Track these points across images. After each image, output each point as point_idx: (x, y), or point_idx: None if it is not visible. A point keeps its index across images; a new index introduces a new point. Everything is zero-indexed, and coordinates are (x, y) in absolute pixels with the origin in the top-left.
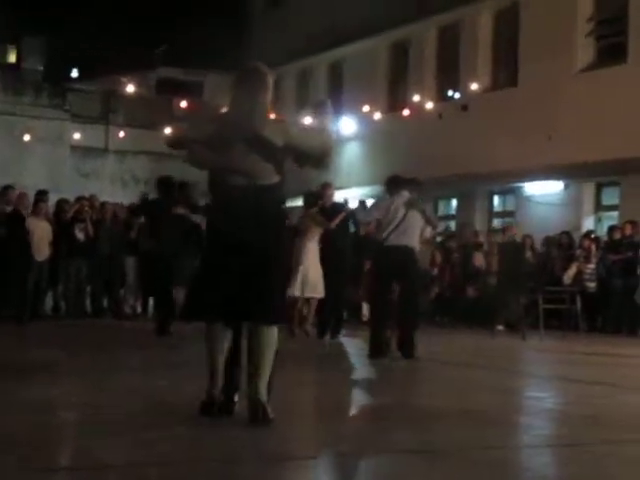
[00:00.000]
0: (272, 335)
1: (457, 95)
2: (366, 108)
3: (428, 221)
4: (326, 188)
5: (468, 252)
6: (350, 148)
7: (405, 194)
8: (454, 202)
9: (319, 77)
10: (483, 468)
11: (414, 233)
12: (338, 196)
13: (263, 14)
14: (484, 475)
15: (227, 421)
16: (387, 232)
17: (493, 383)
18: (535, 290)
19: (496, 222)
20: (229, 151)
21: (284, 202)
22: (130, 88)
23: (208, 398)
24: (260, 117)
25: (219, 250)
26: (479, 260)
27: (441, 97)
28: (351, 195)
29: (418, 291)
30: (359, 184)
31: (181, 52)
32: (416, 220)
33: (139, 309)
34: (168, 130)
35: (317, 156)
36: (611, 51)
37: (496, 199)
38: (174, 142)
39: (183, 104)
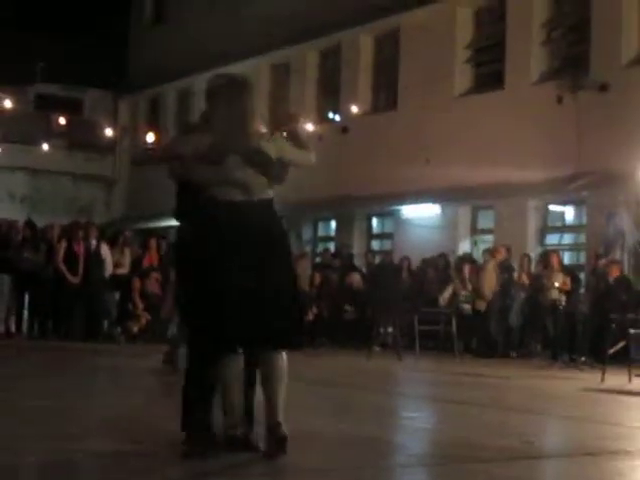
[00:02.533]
0: (285, 360)
1: (337, 117)
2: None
3: None
4: None
5: (345, 273)
6: None
7: None
8: (333, 224)
9: (200, 96)
10: None
11: None
12: None
13: (145, 31)
14: None
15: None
16: None
17: (367, 403)
18: (411, 311)
19: (374, 244)
20: (225, 164)
21: (281, 218)
22: (7, 103)
23: (230, 437)
24: (252, 128)
25: (226, 271)
26: (357, 281)
27: (322, 119)
28: None
29: None
30: None
31: (60, 68)
32: None
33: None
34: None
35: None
36: (488, 77)
37: (375, 221)
38: (167, 155)
39: (62, 120)
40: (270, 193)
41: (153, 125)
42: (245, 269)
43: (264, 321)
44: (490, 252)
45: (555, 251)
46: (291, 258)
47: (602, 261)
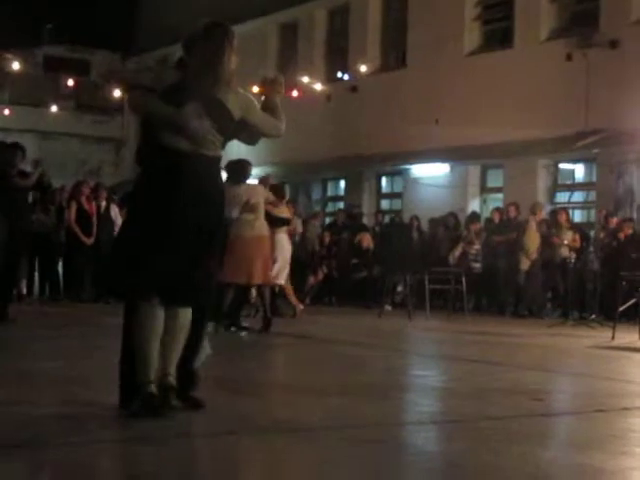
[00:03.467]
0: (189, 317)
1: (346, 77)
2: (255, 89)
3: None
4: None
5: (355, 233)
6: None
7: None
8: (342, 183)
9: None
10: (365, 445)
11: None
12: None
13: None
14: (367, 452)
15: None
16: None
17: (377, 361)
18: (421, 271)
19: (384, 203)
20: (183, 109)
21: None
22: (15, 65)
23: (144, 393)
24: (224, 80)
25: (164, 220)
26: (367, 241)
27: (330, 79)
28: None
29: None
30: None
31: (68, 30)
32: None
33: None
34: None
35: (262, 136)
36: (498, 35)
37: (384, 180)
38: (115, 77)
39: (70, 82)
40: (219, 152)
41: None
42: (179, 222)
43: (178, 277)
44: (531, 210)
45: (564, 208)
46: (223, 227)
47: (613, 219)
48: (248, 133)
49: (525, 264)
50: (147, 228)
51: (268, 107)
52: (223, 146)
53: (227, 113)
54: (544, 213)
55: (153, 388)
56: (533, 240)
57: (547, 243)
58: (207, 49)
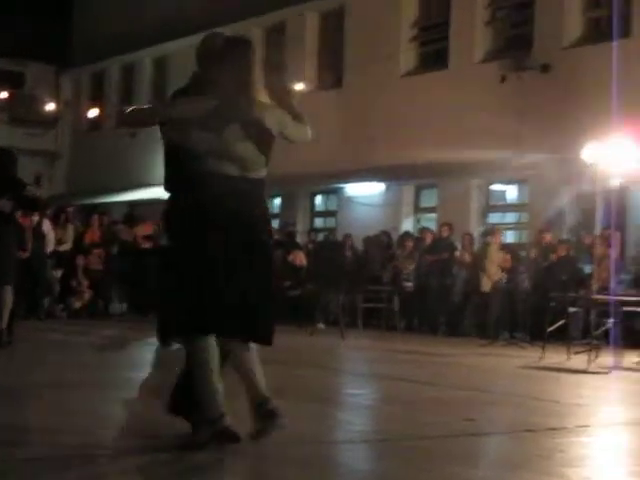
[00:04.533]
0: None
1: None
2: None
3: None
4: None
5: (288, 251)
6: None
7: None
8: (277, 201)
9: (146, 70)
10: (297, 464)
11: None
12: (161, 192)
13: (89, 3)
14: (297, 471)
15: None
16: None
17: (309, 380)
18: (354, 289)
19: (317, 222)
20: (223, 134)
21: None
22: None
23: (220, 427)
24: (256, 96)
25: (216, 249)
26: (300, 259)
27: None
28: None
29: None
30: None
31: (1, 41)
32: None
33: None
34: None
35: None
36: (433, 57)
37: (318, 199)
38: (136, 119)
39: (3, 94)
40: (263, 173)
41: (96, 100)
42: (231, 254)
43: (241, 312)
44: (489, 233)
45: (496, 229)
46: (272, 250)
47: (547, 236)
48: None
49: (487, 285)
50: (199, 259)
51: (291, 114)
52: (265, 165)
53: (267, 132)
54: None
55: (228, 421)
56: (495, 262)
57: (479, 263)
58: (237, 68)
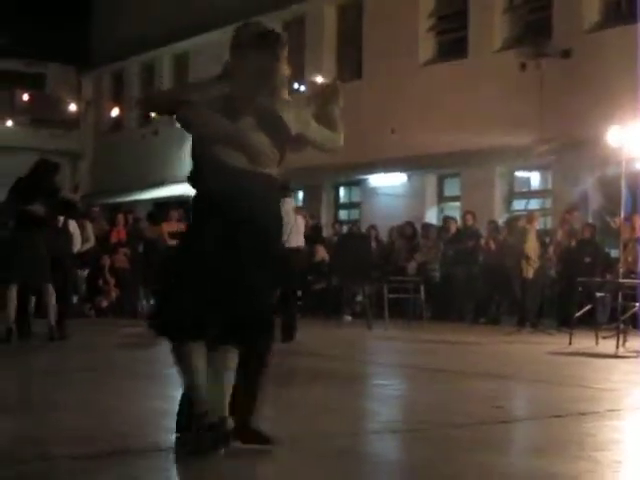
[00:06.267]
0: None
1: (302, 87)
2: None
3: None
4: None
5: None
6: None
7: (288, 200)
8: (300, 194)
9: (166, 69)
10: (328, 456)
11: (300, 233)
12: (185, 189)
13: (109, 4)
14: (329, 463)
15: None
16: (286, 235)
17: (337, 371)
18: (380, 280)
19: (342, 214)
20: (236, 122)
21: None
22: None
23: (202, 426)
24: (279, 92)
25: (215, 248)
26: (321, 253)
27: (287, 90)
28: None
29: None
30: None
31: (22, 43)
32: (301, 224)
33: None
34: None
35: (319, 150)
36: (452, 46)
37: (342, 191)
38: (153, 103)
39: (25, 96)
40: (276, 170)
41: (117, 99)
42: (235, 253)
43: (239, 316)
44: (527, 219)
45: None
46: (280, 251)
47: (574, 212)
48: (295, 146)
49: (529, 272)
50: (198, 258)
51: (324, 117)
52: (279, 163)
53: (285, 128)
54: (539, 222)
55: (215, 419)
56: (534, 248)
57: (505, 250)
58: (261, 59)
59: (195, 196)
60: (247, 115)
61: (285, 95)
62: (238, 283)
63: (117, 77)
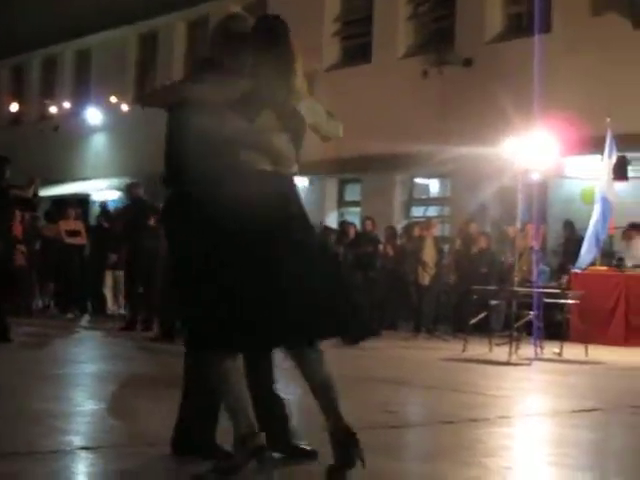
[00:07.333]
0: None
1: None
2: (113, 99)
3: None
4: None
5: None
6: (97, 139)
7: None
8: None
9: (66, 65)
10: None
11: None
12: (83, 187)
13: None
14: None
15: None
16: None
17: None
18: None
19: None
20: (257, 122)
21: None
22: None
23: (252, 443)
24: (296, 83)
25: (251, 257)
26: None
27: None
28: (96, 186)
29: None
30: (105, 175)
31: None
32: None
33: None
34: None
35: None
36: (356, 51)
37: None
38: (160, 98)
39: None
40: (296, 168)
41: (16, 94)
42: (267, 256)
43: (291, 316)
44: (425, 226)
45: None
46: (316, 242)
47: (472, 225)
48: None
49: (425, 279)
50: (228, 265)
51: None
52: (297, 160)
53: (302, 124)
54: (437, 229)
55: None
56: (431, 255)
57: (402, 256)
58: (275, 53)
59: (195, 199)
60: (266, 114)
61: (299, 84)
62: (303, 279)
63: (17, 71)
